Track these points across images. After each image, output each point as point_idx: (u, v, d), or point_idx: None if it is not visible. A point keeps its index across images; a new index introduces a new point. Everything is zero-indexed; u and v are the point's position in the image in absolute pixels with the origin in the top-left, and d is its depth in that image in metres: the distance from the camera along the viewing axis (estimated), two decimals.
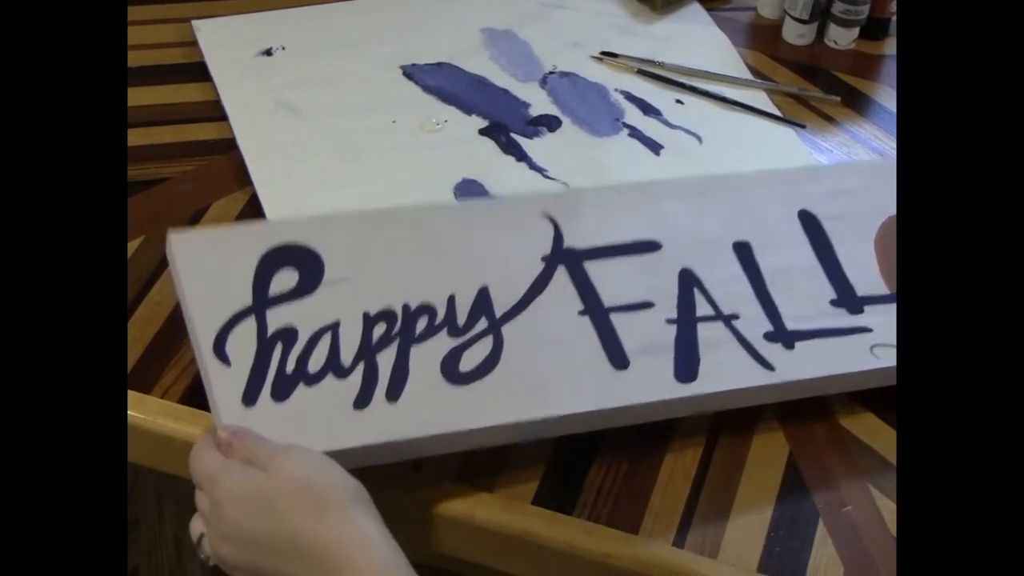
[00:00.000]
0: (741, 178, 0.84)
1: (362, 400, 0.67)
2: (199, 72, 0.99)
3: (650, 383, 0.70)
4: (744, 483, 0.73)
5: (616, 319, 0.72)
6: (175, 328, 0.78)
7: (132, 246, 0.84)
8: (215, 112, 0.96)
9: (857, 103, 1.02)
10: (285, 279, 0.71)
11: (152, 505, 0.89)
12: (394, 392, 0.67)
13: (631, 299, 0.73)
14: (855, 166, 0.93)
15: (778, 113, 1.00)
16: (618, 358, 0.71)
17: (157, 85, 0.98)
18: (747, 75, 1.03)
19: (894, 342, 0.74)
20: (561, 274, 0.73)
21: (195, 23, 1.04)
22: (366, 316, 0.70)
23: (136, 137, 0.93)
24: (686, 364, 0.71)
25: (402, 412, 0.67)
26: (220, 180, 0.90)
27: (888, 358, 0.74)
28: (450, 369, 0.68)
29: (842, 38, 1.08)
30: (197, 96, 0.98)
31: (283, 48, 1.02)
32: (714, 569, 0.68)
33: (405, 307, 0.70)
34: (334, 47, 1.03)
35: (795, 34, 1.08)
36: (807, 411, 0.76)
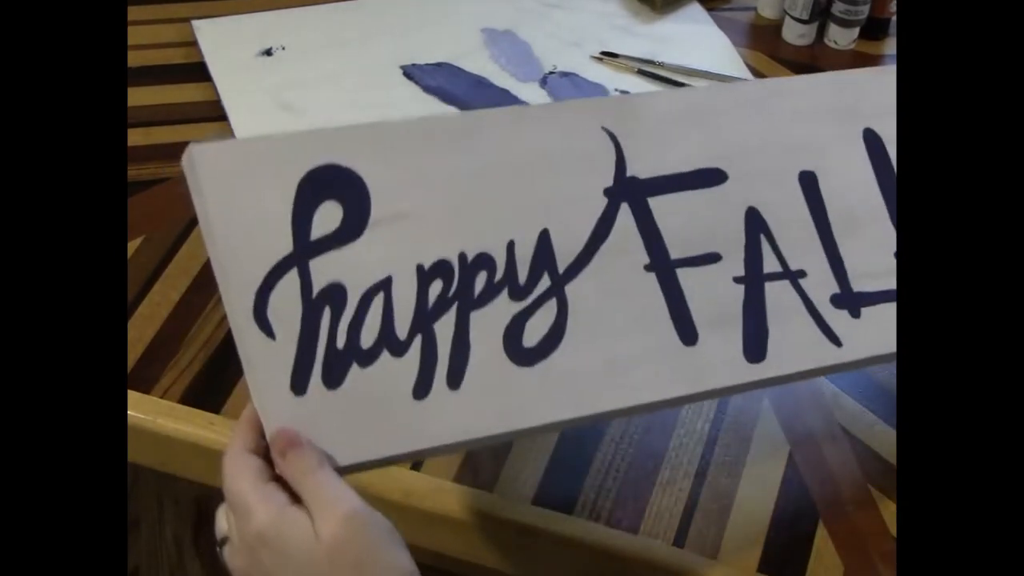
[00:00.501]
0: (799, 82, 0.77)
1: (422, 387, 0.60)
2: (199, 72, 0.99)
3: (720, 364, 0.65)
4: (744, 483, 0.73)
5: (683, 276, 0.66)
6: (175, 328, 0.78)
7: (132, 246, 0.84)
8: (215, 112, 0.96)
9: None
10: (327, 217, 0.61)
11: (152, 505, 0.89)
12: (455, 376, 0.61)
13: (698, 249, 0.67)
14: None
15: None
16: (687, 331, 0.65)
17: (157, 85, 0.98)
18: (747, 75, 1.04)
19: None
20: (625, 216, 0.67)
21: (195, 23, 1.04)
22: (420, 270, 0.62)
23: (136, 137, 0.93)
24: (755, 339, 0.66)
25: (465, 404, 0.61)
26: None
27: None
28: (514, 344, 0.62)
29: (842, 38, 1.08)
30: (197, 96, 0.98)
31: (283, 48, 1.02)
32: (714, 569, 0.68)
33: (462, 257, 0.63)
34: (334, 47, 1.03)
35: (795, 34, 1.08)
36: (807, 411, 0.76)
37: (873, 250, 0.70)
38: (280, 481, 0.56)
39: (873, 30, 1.09)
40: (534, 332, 0.63)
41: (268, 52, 1.02)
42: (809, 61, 1.07)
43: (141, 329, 0.78)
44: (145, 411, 0.74)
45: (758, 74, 1.04)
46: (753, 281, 0.67)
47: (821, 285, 0.68)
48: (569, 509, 0.70)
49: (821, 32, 1.09)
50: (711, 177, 0.69)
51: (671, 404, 0.65)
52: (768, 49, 1.08)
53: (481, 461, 0.71)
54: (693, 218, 0.68)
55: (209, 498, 0.96)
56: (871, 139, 0.73)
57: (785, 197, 0.70)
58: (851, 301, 0.69)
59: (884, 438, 0.75)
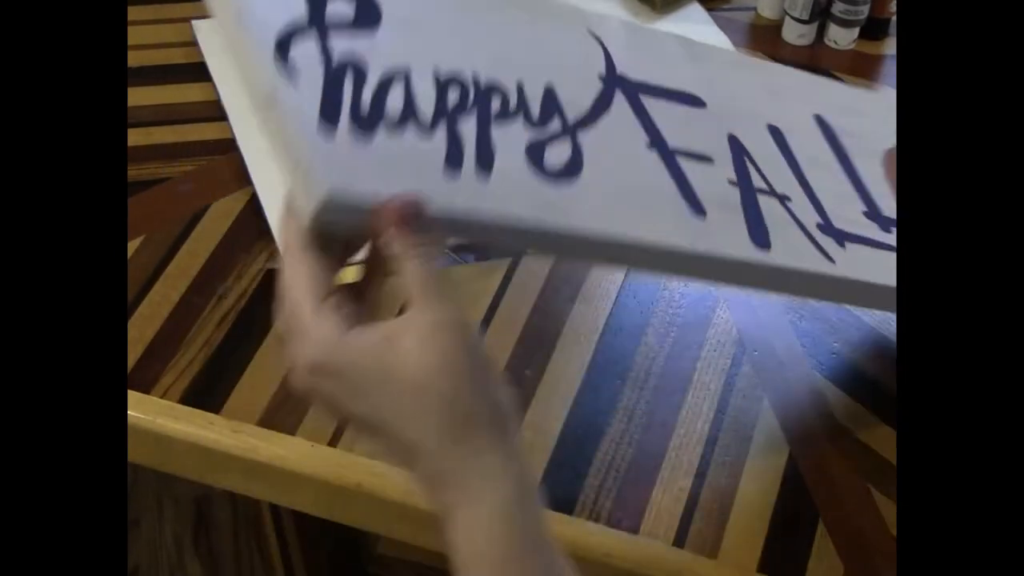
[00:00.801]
0: (768, 66, 0.82)
1: (452, 161, 0.57)
2: (199, 72, 0.99)
3: (730, 238, 0.64)
4: (744, 483, 0.73)
5: (682, 162, 0.65)
6: (175, 328, 0.78)
7: (132, 246, 0.84)
8: (215, 112, 0.96)
9: None
10: (340, 10, 0.60)
11: (152, 505, 0.89)
12: (484, 164, 0.58)
13: (692, 148, 0.67)
14: (870, 93, 0.91)
15: None
16: (695, 204, 0.64)
17: (157, 85, 0.98)
18: None
19: None
20: (621, 102, 0.66)
21: (195, 23, 1.04)
22: (436, 73, 0.60)
23: (136, 137, 0.93)
24: (757, 230, 0.65)
25: (497, 190, 0.57)
26: (220, 180, 0.90)
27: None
28: (536, 160, 0.60)
29: (842, 38, 1.08)
30: (197, 96, 0.98)
31: None
32: (714, 569, 0.68)
33: (475, 78, 0.61)
34: None
35: (795, 34, 1.08)
36: (807, 411, 0.77)
37: (843, 203, 0.71)
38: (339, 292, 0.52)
39: (873, 30, 1.09)
40: (553, 159, 0.60)
41: None
42: (809, 61, 1.07)
43: (141, 329, 0.78)
44: (145, 411, 0.74)
45: None
46: (747, 188, 0.67)
47: (805, 212, 0.69)
48: (569, 509, 0.70)
49: (821, 32, 1.09)
50: (693, 100, 0.70)
51: (681, 265, 0.63)
52: (768, 49, 1.08)
53: None
54: (681, 124, 0.68)
55: (209, 498, 0.96)
56: (822, 121, 0.76)
57: (759, 138, 0.71)
58: (835, 233, 0.69)
59: (884, 438, 0.75)
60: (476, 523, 0.50)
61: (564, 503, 0.70)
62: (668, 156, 0.65)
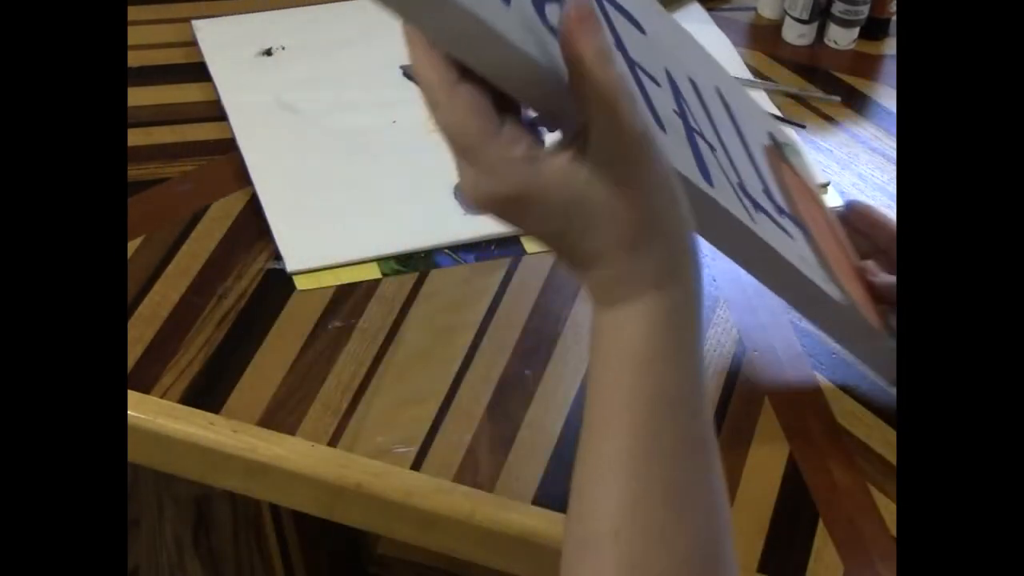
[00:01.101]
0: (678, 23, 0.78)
1: None
2: (199, 72, 0.99)
3: (683, 160, 0.60)
4: (744, 483, 0.73)
5: (641, 76, 0.62)
6: (175, 328, 0.78)
7: (132, 246, 0.84)
8: (215, 112, 0.96)
9: (857, 103, 1.02)
10: None
11: (152, 505, 0.89)
12: None
13: (644, 65, 0.63)
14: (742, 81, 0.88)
15: (778, 113, 1.00)
16: (656, 118, 0.60)
17: (157, 85, 0.98)
18: (747, 75, 1.03)
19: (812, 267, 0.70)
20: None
21: (195, 23, 1.04)
22: None
23: (136, 137, 0.93)
24: (702, 164, 0.62)
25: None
26: (220, 180, 0.90)
27: (813, 274, 0.68)
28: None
29: (842, 38, 1.08)
30: (197, 96, 0.98)
31: (283, 48, 1.02)
32: None
33: None
34: (334, 47, 1.03)
35: (795, 34, 1.08)
36: (807, 411, 0.76)
37: (747, 171, 0.70)
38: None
39: (873, 30, 1.09)
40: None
41: (268, 52, 1.02)
42: (809, 61, 1.07)
43: (141, 329, 0.78)
44: (145, 411, 0.74)
45: (758, 74, 1.04)
46: (686, 122, 0.65)
47: (726, 166, 0.67)
48: None
49: (821, 32, 1.09)
50: (638, 25, 0.67)
51: None
52: (768, 49, 1.08)
53: (481, 461, 0.71)
54: (634, 41, 0.64)
55: (209, 498, 0.96)
56: (722, 95, 0.75)
57: (685, 83, 0.69)
58: (749, 197, 0.67)
59: (884, 438, 0.75)
60: (633, 321, 0.51)
61: (564, 503, 0.70)
62: (630, 63, 0.62)
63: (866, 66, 1.07)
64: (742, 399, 0.77)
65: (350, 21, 1.06)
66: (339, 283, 0.83)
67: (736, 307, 0.83)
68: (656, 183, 0.50)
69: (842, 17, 1.06)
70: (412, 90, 1.02)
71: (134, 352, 0.77)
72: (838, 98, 1.02)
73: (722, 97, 0.75)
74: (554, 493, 0.71)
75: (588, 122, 0.49)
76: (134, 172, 0.90)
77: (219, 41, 1.02)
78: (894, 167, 0.94)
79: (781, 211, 0.72)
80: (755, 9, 1.12)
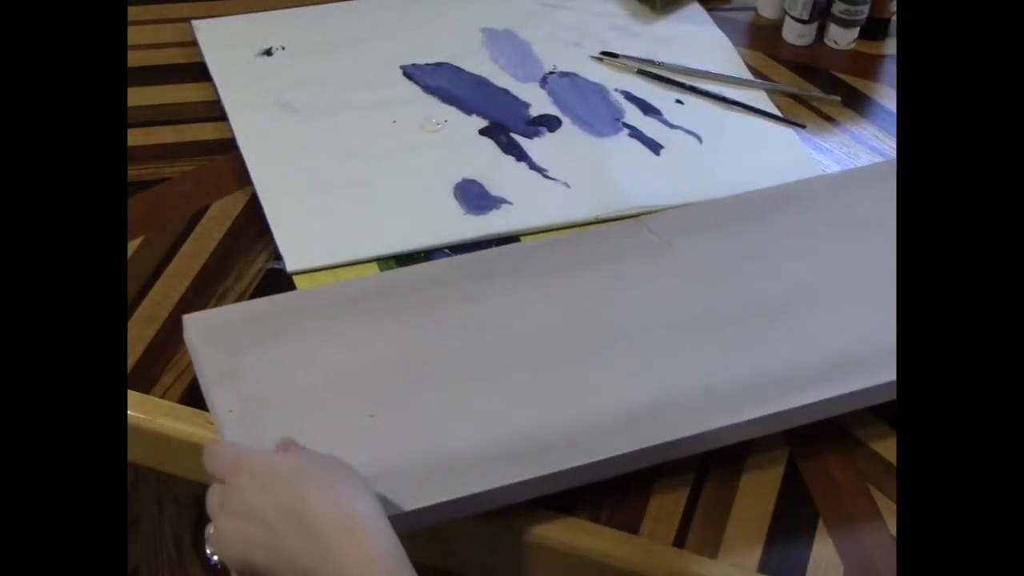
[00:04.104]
0: None
1: None
2: (199, 72, 0.99)
3: None
4: (744, 483, 0.73)
5: None
6: (175, 328, 0.78)
7: (132, 246, 0.84)
8: (215, 112, 0.96)
9: (857, 103, 1.02)
10: None
11: (152, 505, 0.89)
12: None
13: None
14: None
15: (778, 113, 1.00)
16: None
17: (157, 85, 0.98)
18: (747, 75, 1.04)
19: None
20: None
21: (195, 23, 1.04)
22: None
23: (136, 137, 0.93)
24: None
25: None
26: (220, 180, 0.90)
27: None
28: None
29: (842, 38, 1.08)
30: (197, 96, 0.98)
31: (283, 48, 1.02)
32: (714, 569, 0.68)
33: None
34: (334, 47, 1.03)
35: (795, 34, 1.08)
36: None
37: None
38: None
39: (873, 30, 1.09)
40: None
41: (268, 52, 1.02)
42: (809, 61, 1.07)
43: (141, 329, 0.78)
44: (145, 411, 0.74)
45: (758, 74, 1.04)
46: None
47: None
48: (569, 509, 0.70)
49: (821, 32, 1.09)
50: None
51: None
52: (768, 49, 1.08)
53: None
54: None
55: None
56: None
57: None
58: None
59: (884, 438, 0.75)
60: None
61: (564, 503, 0.70)
62: None
63: (866, 66, 1.07)
64: None
65: (350, 21, 1.06)
66: None
67: None
68: None
69: (842, 17, 1.06)
70: (412, 90, 1.03)
71: (134, 352, 0.77)
72: (838, 98, 1.02)
73: None
74: (555, 493, 0.71)
75: None
76: (134, 172, 0.90)
77: (219, 41, 1.02)
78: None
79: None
80: (755, 9, 1.12)
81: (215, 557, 0.64)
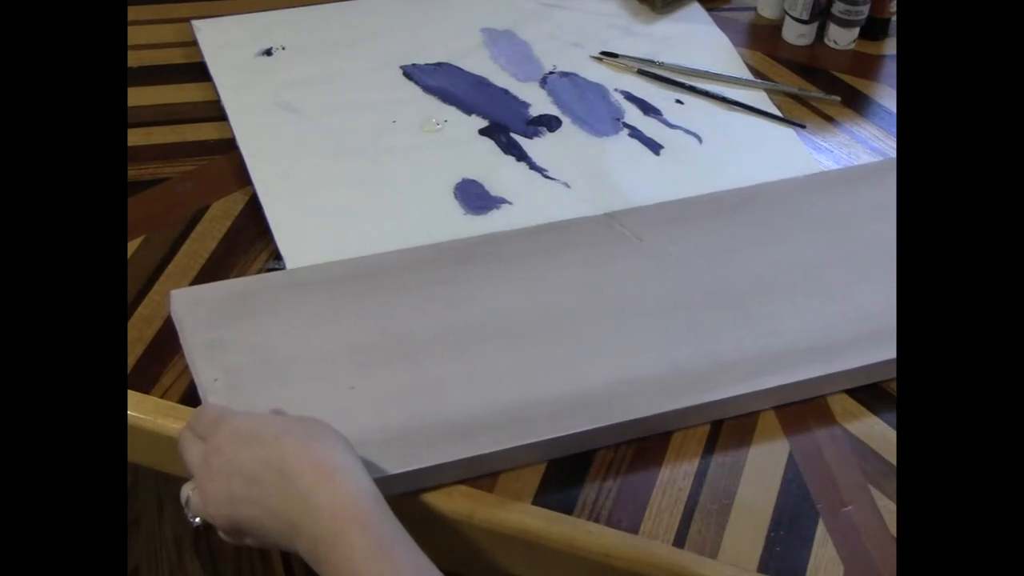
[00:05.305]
0: None
1: None
2: (199, 72, 0.99)
3: None
4: (744, 483, 0.73)
5: None
6: (175, 328, 0.78)
7: (132, 246, 0.84)
8: (215, 112, 0.96)
9: (857, 103, 1.02)
10: None
11: (152, 505, 0.89)
12: None
13: None
14: None
15: (778, 113, 1.00)
16: None
17: (157, 85, 0.98)
18: (747, 75, 1.04)
19: None
20: None
21: (195, 23, 1.04)
22: None
23: (136, 137, 0.93)
24: None
25: None
26: (220, 180, 0.90)
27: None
28: None
29: (842, 38, 1.08)
30: (197, 96, 0.98)
31: (283, 48, 1.02)
32: (714, 569, 0.68)
33: None
34: (334, 47, 1.03)
35: (795, 34, 1.08)
36: (807, 411, 0.76)
37: None
38: None
39: (873, 30, 1.09)
40: None
41: (268, 52, 1.02)
42: (809, 61, 1.07)
43: (141, 329, 0.78)
44: (145, 411, 0.74)
45: (758, 74, 1.04)
46: None
47: None
48: (569, 509, 0.70)
49: (821, 32, 1.09)
50: None
51: None
52: (768, 49, 1.08)
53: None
54: None
55: None
56: None
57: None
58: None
59: (884, 438, 0.75)
60: None
61: (564, 503, 0.70)
62: None
63: (866, 66, 1.07)
64: (741, 400, 0.77)
65: (350, 21, 1.06)
66: None
67: None
68: None
69: (842, 17, 1.06)
70: (412, 90, 1.03)
71: (134, 352, 0.77)
72: (838, 98, 1.02)
73: None
74: (554, 493, 0.71)
75: None
76: (134, 172, 0.90)
77: (219, 41, 1.02)
78: None
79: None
80: (755, 9, 1.12)
81: (196, 519, 0.65)
